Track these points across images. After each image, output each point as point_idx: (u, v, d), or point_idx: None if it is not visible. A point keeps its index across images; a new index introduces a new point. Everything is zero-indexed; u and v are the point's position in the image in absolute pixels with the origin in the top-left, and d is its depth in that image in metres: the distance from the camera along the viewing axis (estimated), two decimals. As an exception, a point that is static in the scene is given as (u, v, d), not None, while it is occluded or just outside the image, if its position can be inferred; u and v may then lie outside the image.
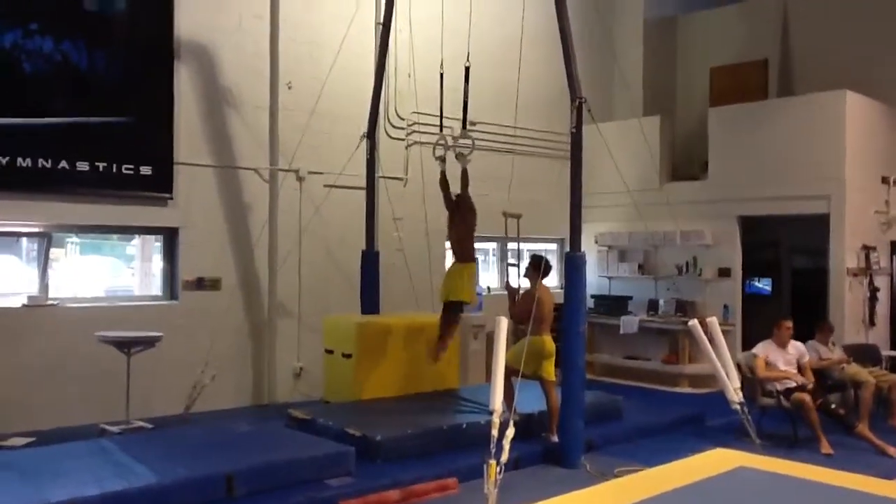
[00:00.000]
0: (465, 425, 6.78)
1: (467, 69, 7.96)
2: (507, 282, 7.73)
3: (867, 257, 9.98)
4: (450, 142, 7.98)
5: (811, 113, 10.10)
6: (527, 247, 8.73)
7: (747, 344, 9.95)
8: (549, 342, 6.92)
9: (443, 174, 7.93)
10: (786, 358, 7.70)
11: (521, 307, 7.00)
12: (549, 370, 6.89)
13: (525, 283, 7.43)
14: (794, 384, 7.51)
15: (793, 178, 9.99)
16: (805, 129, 10.05)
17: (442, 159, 7.97)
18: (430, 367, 8.04)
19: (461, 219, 7.63)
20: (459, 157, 7.77)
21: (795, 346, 7.83)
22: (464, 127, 7.97)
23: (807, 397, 7.30)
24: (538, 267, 7.13)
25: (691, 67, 12.93)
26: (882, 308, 10.33)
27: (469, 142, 7.88)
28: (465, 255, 7.66)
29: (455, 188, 7.82)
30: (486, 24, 9.50)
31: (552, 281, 12.30)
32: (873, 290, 10.11)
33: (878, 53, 10.80)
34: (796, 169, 9.99)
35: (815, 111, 10.07)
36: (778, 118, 10.35)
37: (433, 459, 6.25)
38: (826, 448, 7.14)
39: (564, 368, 6.77)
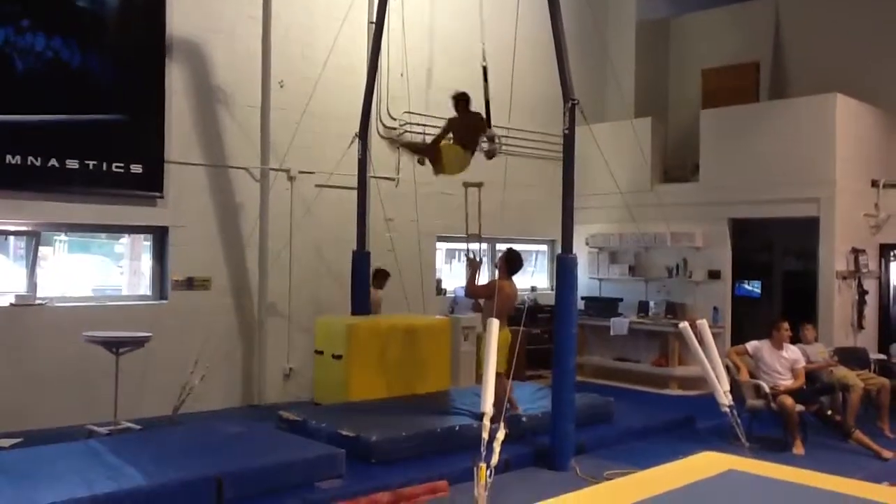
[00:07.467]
0: (457, 427, 6.75)
1: (485, 68, 8.10)
2: (472, 255, 7.70)
3: (856, 260, 10.02)
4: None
5: (802, 116, 10.14)
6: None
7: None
8: (507, 337, 7.03)
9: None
10: (780, 360, 7.70)
11: (482, 289, 7.29)
12: (502, 362, 6.87)
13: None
14: (782, 386, 7.53)
15: (783, 181, 10.03)
16: (796, 132, 10.09)
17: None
18: (420, 368, 7.96)
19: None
20: (489, 155, 8.06)
21: (791, 350, 7.83)
22: (489, 126, 8.10)
23: (789, 400, 7.34)
24: (508, 260, 7.31)
25: (683, 69, 12.95)
26: (871, 311, 10.36)
27: (496, 144, 8.11)
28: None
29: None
30: (479, 24, 9.47)
31: (542, 282, 12.39)
32: (862, 293, 10.16)
33: (869, 57, 10.85)
34: (787, 172, 10.03)
35: (806, 114, 10.11)
36: (769, 121, 10.39)
37: (424, 462, 6.24)
38: (798, 448, 7.28)
39: (555, 370, 6.80)
